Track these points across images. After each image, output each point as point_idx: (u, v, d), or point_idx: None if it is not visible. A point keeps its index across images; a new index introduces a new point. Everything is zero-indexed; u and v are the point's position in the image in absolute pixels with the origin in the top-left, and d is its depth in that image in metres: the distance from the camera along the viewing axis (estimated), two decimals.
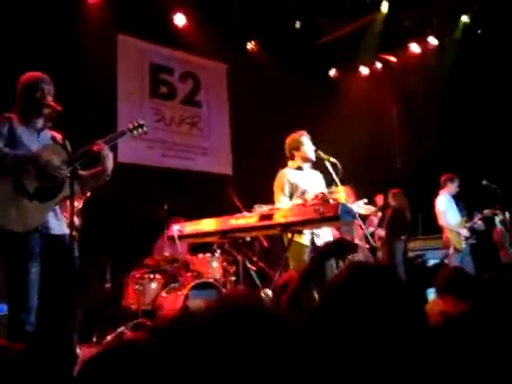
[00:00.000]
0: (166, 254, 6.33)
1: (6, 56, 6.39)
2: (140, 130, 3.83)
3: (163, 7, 8.13)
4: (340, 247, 4.72)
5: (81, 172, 3.56)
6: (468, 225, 7.26)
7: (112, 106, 7.82)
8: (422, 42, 9.42)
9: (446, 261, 7.48)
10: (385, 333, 1.11)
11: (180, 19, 8.33)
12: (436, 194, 7.47)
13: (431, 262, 8.43)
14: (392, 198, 8.04)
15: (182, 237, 4.88)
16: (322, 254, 4.70)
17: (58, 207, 3.50)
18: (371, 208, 5.38)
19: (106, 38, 7.60)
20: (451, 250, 7.31)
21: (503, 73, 8.62)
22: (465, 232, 7.21)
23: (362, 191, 6.28)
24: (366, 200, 4.93)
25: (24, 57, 6.28)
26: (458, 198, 7.46)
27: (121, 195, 6.31)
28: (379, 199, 8.10)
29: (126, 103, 8.04)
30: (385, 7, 8.69)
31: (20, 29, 6.64)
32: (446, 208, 7.33)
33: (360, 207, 4.71)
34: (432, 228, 8.12)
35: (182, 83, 8.94)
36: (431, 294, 6.69)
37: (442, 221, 7.37)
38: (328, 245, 4.80)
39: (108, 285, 6.17)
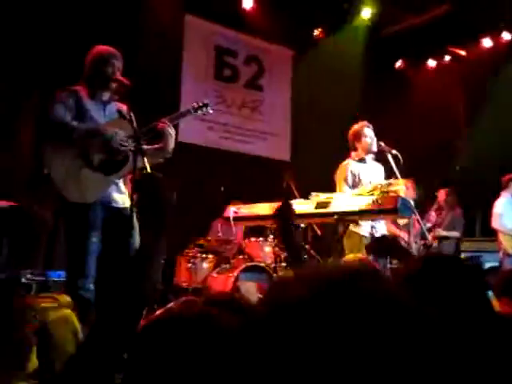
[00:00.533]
0: (220, 235, 6.39)
1: (73, 31, 6.55)
2: (204, 109, 3.83)
3: None
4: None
5: (144, 147, 3.61)
6: None
7: (176, 85, 7.91)
8: (495, 36, 9.08)
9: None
10: (455, 318, 1.09)
11: (248, 2, 8.31)
12: (497, 195, 7.25)
13: (488, 265, 8.19)
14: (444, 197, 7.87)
15: (237, 218, 4.91)
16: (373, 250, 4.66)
17: (120, 181, 3.57)
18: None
19: (173, 18, 7.67)
20: (501, 254, 7.13)
21: None
22: None
23: (422, 186, 6.17)
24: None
25: (91, 32, 6.41)
26: None
27: (179, 174, 6.37)
28: (441, 194, 7.85)
29: (189, 83, 8.12)
30: None
31: (89, 4, 6.78)
32: (503, 210, 7.10)
33: None
34: (490, 229, 7.89)
35: (245, 67, 8.96)
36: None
37: (495, 223, 7.15)
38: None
39: (161, 261, 6.28)
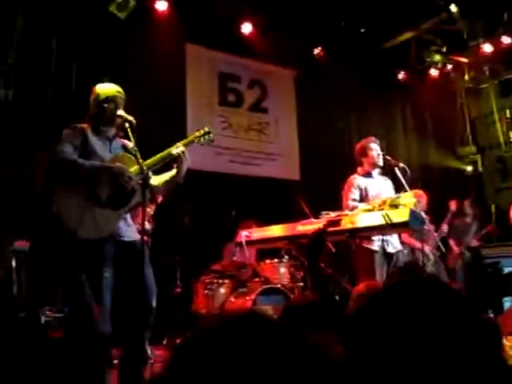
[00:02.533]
0: (235, 258, 6.41)
1: (78, 64, 6.67)
2: (207, 137, 3.89)
3: (231, 16, 8.23)
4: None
5: (154, 177, 3.66)
6: None
7: (181, 114, 7.98)
8: (495, 41, 9.08)
9: None
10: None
11: (247, 27, 8.42)
12: None
13: (507, 270, 8.14)
14: (468, 207, 7.99)
15: (249, 242, 4.93)
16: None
17: (128, 214, 3.60)
18: None
19: (174, 47, 7.79)
20: None
21: None
22: None
23: (435, 196, 6.16)
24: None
25: (94, 66, 6.53)
26: None
27: (190, 201, 6.41)
28: (453, 204, 7.84)
29: (195, 111, 8.19)
30: (453, 8, 8.46)
31: (91, 39, 6.91)
32: None
33: None
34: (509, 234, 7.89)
35: (249, 90, 9.04)
36: (508, 302, 6.49)
37: None
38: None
39: (178, 289, 6.31)
